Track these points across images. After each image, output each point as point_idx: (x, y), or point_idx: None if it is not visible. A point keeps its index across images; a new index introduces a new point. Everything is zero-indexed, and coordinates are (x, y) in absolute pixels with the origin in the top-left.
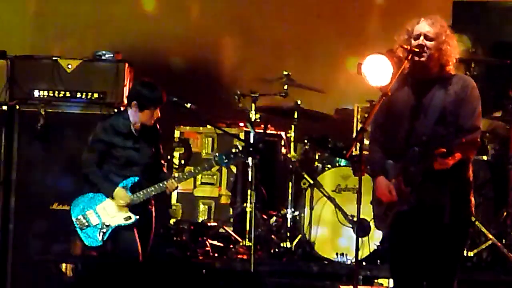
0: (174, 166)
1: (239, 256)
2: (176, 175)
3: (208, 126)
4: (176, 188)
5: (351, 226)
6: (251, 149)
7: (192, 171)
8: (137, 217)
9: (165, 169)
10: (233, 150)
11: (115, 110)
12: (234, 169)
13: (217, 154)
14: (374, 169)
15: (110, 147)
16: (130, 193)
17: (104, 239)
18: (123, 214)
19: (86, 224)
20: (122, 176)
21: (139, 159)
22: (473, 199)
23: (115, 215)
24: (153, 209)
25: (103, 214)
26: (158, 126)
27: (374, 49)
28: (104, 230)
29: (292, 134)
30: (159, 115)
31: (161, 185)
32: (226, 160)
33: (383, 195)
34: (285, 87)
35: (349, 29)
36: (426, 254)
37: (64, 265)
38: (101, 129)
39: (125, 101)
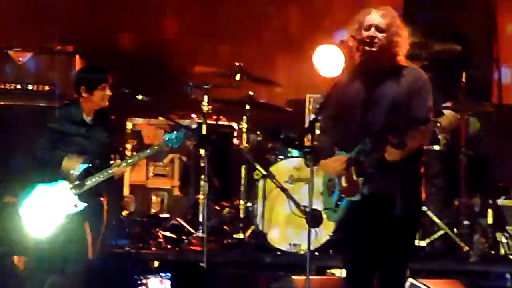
0: (126, 157)
1: (192, 248)
2: (124, 159)
3: (160, 118)
4: (124, 172)
5: (303, 216)
6: (203, 139)
7: (141, 153)
8: (85, 204)
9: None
10: (182, 130)
11: (67, 101)
12: (186, 160)
13: (166, 134)
14: (321, 157)
15: (62, 136)
16: (79, 165)
17: (54, 232)
18: (71, 201)
19: (35, 215)
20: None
21: (89, 148)
22: (423, 190)
23: (63, 203)
24: (105, 201)
25: (51, 203)
26: (112, 117)
27: (328, 39)
28: (54, 221)
29: (245, 125)
30: (110, 93)
31: (109, 171)
32: (175, 140)
33: (330, 168)
34: (237, 78)
35: (304, 20)
36: (378, 244)
37: (16, 257)
38: (52, 118)
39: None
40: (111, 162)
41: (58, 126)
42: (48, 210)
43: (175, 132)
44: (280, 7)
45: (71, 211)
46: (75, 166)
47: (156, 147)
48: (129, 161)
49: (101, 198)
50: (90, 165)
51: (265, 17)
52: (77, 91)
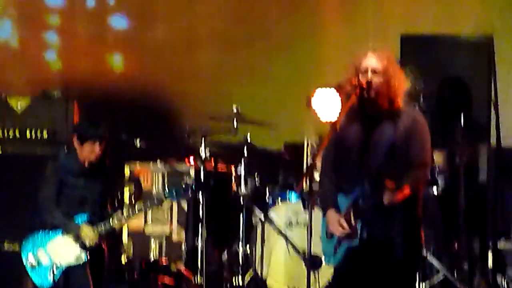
0: (125, 203)
1: None
2: (125, 211)
3: (158, 163)
4: (124, 224)
5: (302, 261)
6: (201, 185)
7: (142, 206)
8: (88, 257)
9: (111, 207)
10: (183, 184)
11: (65, 149)
12: (184, 206)
13: (167, 188)
14: (324, 203)
15: (62, 186)
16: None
17: (56, 279)
18: (73, 253)
19: (36, 263)
20: (73, 214)
21: (89, 197)
22: (422, 233)
23: (66, 254)
24: (105, 246)
25: (54, 253)
26: (107, 163)
27: (325, 83)
28: (55, 270)
29: (242, 170)
30: (98, 151)
31: (110, 223)
32: (176, 194)
33: (335, 229)
34: (235, 123)
35: (300, 63)
36: None
37: None
38: (53, 168)
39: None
40: (111, 209)
41: (59, 177)
42: (51, 259)
43: (176, 187)
44: (277, 51)
45: (75, 263)
46: (92, 237)
47: (156, 201)
48: (130, 214)
49: (102, 243)
50: (91, 214)
51: (261, 60)
52: (71, 138)
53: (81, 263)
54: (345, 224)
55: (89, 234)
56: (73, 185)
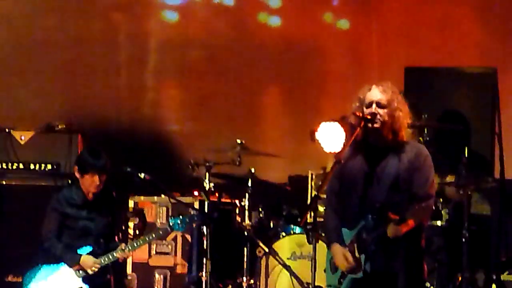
0: (129, 236)
1: None
2: (129, 243)
3: (163, 196)
4: (128, 256)
5: None
6: (205, 217)
7: (146, 238)
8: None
9: (117, 239)
10: (187, 215)
11: (69, 181)
12: (189, 238)
13: (171, 219)
14: (329, 237)
15: (65, 218)
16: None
17: None
18: (76, 285)
19: None
20: (76, 246)
21: (93, 229)
22: (425, 266)
23: (68, 286)
24: (112, 278)
25: (55, 285)
26: (114, 194)
27: (328, 116)
28: None
29: (246, 202)
30: (98, 182)
31: (114, 254)
32: (181, 225)
33: (341, 263)
34: (238, 156)
35: (303, 97)
36: None
37: None
38: (55, 201)
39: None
40: (116, 240)
41: (61, 209)
42: None
43: (180, 216)
44: (281, 83)
45: None
46: (95, 263)
47: (161, 232)
48: (134, 245)
49: (109, 276)
50: (95, 246)
51: (265, 94)
52: (74, 169)
53: None
54: (350, 258)
55: (89, 264)
56: (76, 217)
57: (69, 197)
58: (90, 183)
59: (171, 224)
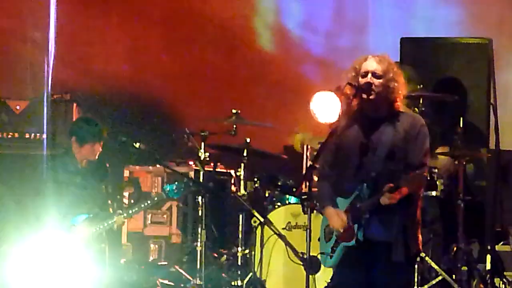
0: (124, 205)
1: None
2: (124, 210)
3: (158, 165)
4: (123, 223)
5: (301, 263)
6: (200, 186)
7: (142, 205)
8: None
9: (110, 207)
10: (182, 181)
11: (64, 150)
12: (184, 208)
13: (166, 185)
14: (323, 202)
15: (58, 185)
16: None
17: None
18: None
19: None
20: (71, 214)
21: (87, 197)
22: (420, 236)
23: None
24: (107, 247)
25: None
26: (107, 165)
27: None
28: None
29: (242, 173)
30: (100, 149)
31: (109, 221)
32: (176, 191)
33: (336, 223)
34: (234, 126)
35: (301, 66)
36: None
37: None
38: (50, 168)
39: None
40: (110, 210)
41: (54, 176)
42: (47, 260)
43: (175, 183)
44: (277, 55)
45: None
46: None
47: (156, 198)
48: (130, 212)
49: (103, 245)
50: (90, 213)
51: (261, 64)
52: (70, 140)
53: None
54: (345, 218)
55: (85, 232)
56: (70, 184)
57: (61, 164)
58: (91, 152)
59: (166, 190)
